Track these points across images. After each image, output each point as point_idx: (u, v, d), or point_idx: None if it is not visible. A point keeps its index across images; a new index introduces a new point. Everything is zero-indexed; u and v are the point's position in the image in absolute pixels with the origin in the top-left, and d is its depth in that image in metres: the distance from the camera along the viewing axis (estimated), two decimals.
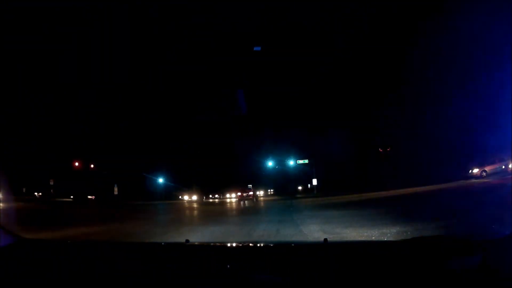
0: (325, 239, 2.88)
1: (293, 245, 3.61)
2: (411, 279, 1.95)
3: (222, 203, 38.35)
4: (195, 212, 21.87)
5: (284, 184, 78.42)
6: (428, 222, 8.01)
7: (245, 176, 63.60)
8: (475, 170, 23.71)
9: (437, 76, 29.51)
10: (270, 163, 43.82)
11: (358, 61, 33.27)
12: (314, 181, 40.72)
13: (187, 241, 3.03)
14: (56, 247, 3.06)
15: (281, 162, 45.00)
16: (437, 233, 5.73)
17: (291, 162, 42.77)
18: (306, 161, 41.75)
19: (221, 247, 3.20)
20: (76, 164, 50.40)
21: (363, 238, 6.93)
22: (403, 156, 33.59)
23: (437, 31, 26.81)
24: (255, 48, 21.60)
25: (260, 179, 61.09)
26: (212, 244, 3.68)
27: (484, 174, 23.22)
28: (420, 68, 30.36)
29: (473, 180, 22.50)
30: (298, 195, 50.68)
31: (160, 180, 55.65)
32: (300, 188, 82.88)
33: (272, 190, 74.19)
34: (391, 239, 6.35)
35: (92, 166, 52.96)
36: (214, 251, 2.97)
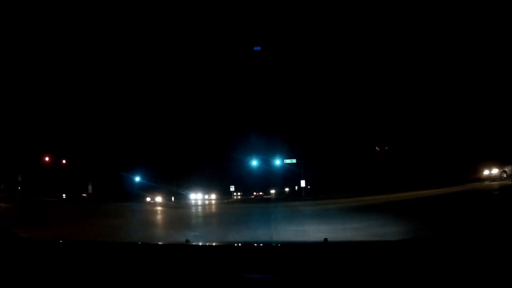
0: (325, 239, 2.84)
1: (293, 245, 3.67)
2: (411, 278, 1.93)
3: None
4: None
5: (268, 186, 76.12)
6: None
7: (223, 176, 60.49)
8: (494, 171, 20.95)
9: (441, 67, 26.63)
10: (254, 162, 40.37)
11: (355, 53, 30.38)
12: (302, 183, 37.53)
13: (187, 241, 3.21)
14: (56, 247, 3.08)
15: (266, 162, 41.74)
16: None
17: (277, 162, 39.39)
18: (294, 160, 38.43)
19: (221, 247, 3.34)
20: (46, 159, 47.02)
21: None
22: (403, 155, 30.75)
23: (442, 26, 24.36)
24: (255, 48, 21.98)
25: (241, 180, 57.51)
26: (212, 244, 3.66)
27: (504, 175, 20.46)
28: (424, 58, 27.52)
29: (487, 183, 19.75)
30: (283, 197, 47.39)
31: (137, 179, 51.77)
32: (287, 189, 79.63)
33: (240, 193, 67.05)
34: None
35: (64, 161, 49.61)
36: (214, 251, 3.07)
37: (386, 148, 32.88)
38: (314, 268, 2.18)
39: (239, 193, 65.49)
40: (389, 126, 32.45)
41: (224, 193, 59.12)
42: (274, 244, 3.67)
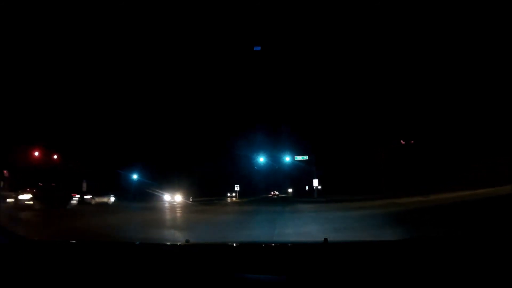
0: (325, 239, 2.82)
1: (293, 245, 3.64)
2: (411, 278, 1.96)
3: None
4: None
5: (272, 186, 73.17)
6: None
7: (225, 175, 56.57)
8: None
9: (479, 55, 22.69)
10: (261, 159, 36.11)
11: (373, 43, 26.61)
12: (315, 182, 33.20)
13: (187, 241, 3.29)
14: (56, 247, 3.09)
15: (273, 160, 37.50)
16: None
17: (287, 159, 34.98)
18: (306, 157, 33.99)
19: (222, 247, 3.30)
20: (36, 153, 44.09)
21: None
22: (432, 150, 26.65)
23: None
24: (255, 48, 21.59)
25: (244, 180, 53.61)
26: (212, 244, 3.79)
27: None
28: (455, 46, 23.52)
29: None
30: (291, 199, 42.29)
31: (135, 177, 49.15)
32: (290, 190, 75.22)
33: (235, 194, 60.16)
34: None
35: (55, 156, 46.92)
36: (215, 251, 3.04)
37: (412, 142, 28.67)
38: (313, 268, 2.18)
39: (233, 194, 60.70)
40: (415, 116, 28.05)
41: (217, 194, 54.93)
42: (274, 244, 3.60)
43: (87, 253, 2.76)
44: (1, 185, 36.92)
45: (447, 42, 23.65)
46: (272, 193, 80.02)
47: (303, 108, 43.71)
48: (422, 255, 2.29)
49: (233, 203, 36.70)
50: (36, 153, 44.06)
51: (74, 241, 3.72)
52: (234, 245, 3.30)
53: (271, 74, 37.88)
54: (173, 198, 35.86)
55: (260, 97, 49.78)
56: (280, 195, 72.83)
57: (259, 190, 66.00)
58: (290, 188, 74.83)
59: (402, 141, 28.95)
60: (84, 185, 43.72)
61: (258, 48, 21.62)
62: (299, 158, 34.10)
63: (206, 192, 54.72)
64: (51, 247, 2.97)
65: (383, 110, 31.52)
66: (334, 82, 36.59)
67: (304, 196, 40.13)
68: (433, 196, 17.49)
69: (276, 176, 60.40)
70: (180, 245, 3.20)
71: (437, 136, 27.59)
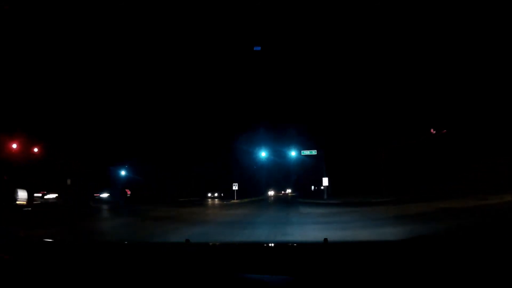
0: (325, 239, 2.82)
1: (293, 245, 3.66)
2: (411, 278, 1.93)
3: None
4: None
5: (274, 185, 69.39)
6: None
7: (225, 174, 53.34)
8: None
9: None
10: (263, 154, 31.62)
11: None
12: (325, 181, 28.73)
13: (187, 241, 3.12)
14: (55, 247, 3.11)
15: (276, 154, 33.17)
16: None
17: (293, 153, 30.47)
18: (314, 152, 29.52)
19: (222, 247, 3.35)
20: (14, 146, 40.38)
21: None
22: (470, 142, 22.83)
23: None
24: (255, 48, 21.86)
25: (244, 178, 49.93)
26: (212, 244, 3.72)
27: None
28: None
29: None
30: (292, 199, 37.30)
31: (123, 173, 46.52)
32: (289, 191, 71.62)
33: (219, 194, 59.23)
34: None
35: (36, 150, 43.40)
36: (215, 251, 3.07)
37: (444, 131, 25.08)
38: (314, 268, 2.19)
39: (215, 194, 57.05)
40: (449, 102, 24.22)
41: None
42: (273, 244, 3.63)
43: (86, 253, 2.76)
44: None
45: (446, 43, 23.31)
46: (283, 192, 75.93)
47: (309, 101, 39.58)
48: (422, 254, 2.28)
49: (214, 206, 29.46)
50: (14, 146, 40.29)
51: (73, 242, 3.94)
52: (235, 245, 3.57)
53: (273, 69, 34.65)
54: (16, 195, 25.41)
55: (262, 91, 46.18)
56: (290, 194, 69.35)
57: (260, 190, 62.20)
58: (292, 187, 70.85)
59: (432, 130, 25.15)
60: (69, 181, 41.51)
61: (258, 48, 21.91)
62: (307, 152, 29.78)
63: (202, 191, 51.42)
64: (50, 248, 2.98)
65: (393, 105, 28.50)
66: (344, 73, 32.41)
67: (311, 196, 35.68)
68: (493, 198, 13.10)
69: (277, 175, 56.94)
70: (180, 245, 3.13)
71: (444, 134, 25.72)
